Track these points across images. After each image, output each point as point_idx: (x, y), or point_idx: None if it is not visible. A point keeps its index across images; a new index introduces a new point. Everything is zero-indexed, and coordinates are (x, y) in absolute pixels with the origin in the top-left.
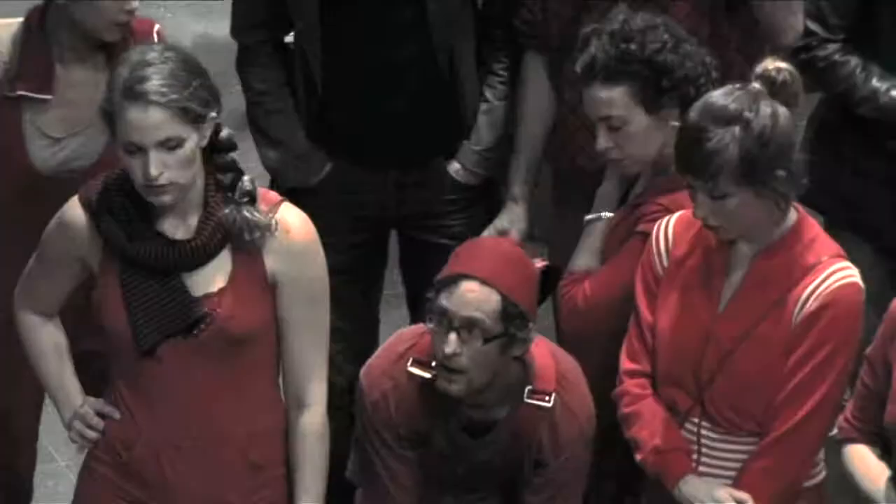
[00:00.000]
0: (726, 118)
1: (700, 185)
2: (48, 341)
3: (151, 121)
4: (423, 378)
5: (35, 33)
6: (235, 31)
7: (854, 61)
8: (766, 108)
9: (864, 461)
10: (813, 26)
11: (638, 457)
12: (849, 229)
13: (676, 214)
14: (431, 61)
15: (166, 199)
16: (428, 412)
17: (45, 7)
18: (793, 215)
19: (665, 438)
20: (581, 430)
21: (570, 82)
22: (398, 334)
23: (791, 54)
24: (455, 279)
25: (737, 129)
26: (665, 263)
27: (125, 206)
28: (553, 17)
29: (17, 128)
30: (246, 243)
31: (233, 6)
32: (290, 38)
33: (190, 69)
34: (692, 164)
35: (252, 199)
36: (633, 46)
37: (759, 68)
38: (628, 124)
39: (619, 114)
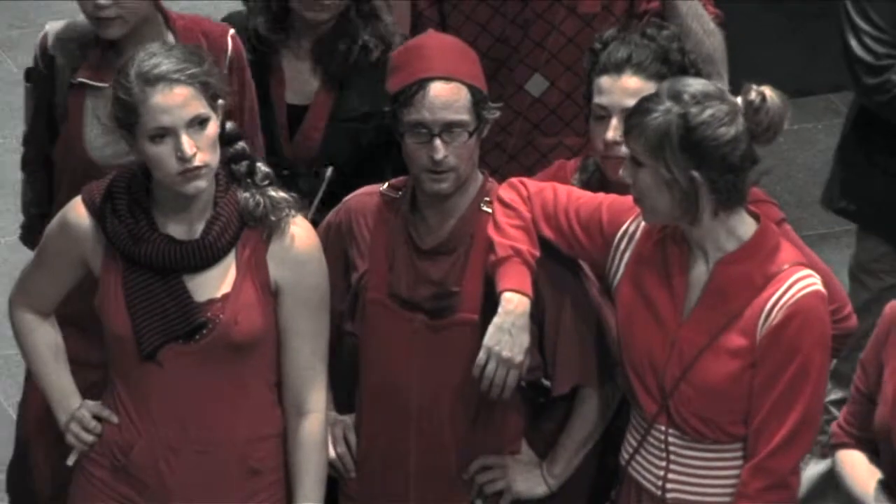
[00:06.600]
0: (674, 94)
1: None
2: (44, 341)
3: (178, 98)
4: (390, 197)
5: None
6: None
7: None
8: (713, 110)
9: (854, 466)
10: (875, 46)
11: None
12: (882, 233)
13: None
14: None
15: (202, 184)
16: (387, 233)
17: None
18: (752, 225)
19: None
20: None
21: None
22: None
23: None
24: (418, 86)
25: (673, 106)
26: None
27: (130, 208)
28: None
29: (79, 114)
30: (261, 228)
31: None
32: None
33: (197, 52)
34: (628, 116)
35: (272, 181)
36: (675, 48)
37: (747, 84)
38: None
39: None
